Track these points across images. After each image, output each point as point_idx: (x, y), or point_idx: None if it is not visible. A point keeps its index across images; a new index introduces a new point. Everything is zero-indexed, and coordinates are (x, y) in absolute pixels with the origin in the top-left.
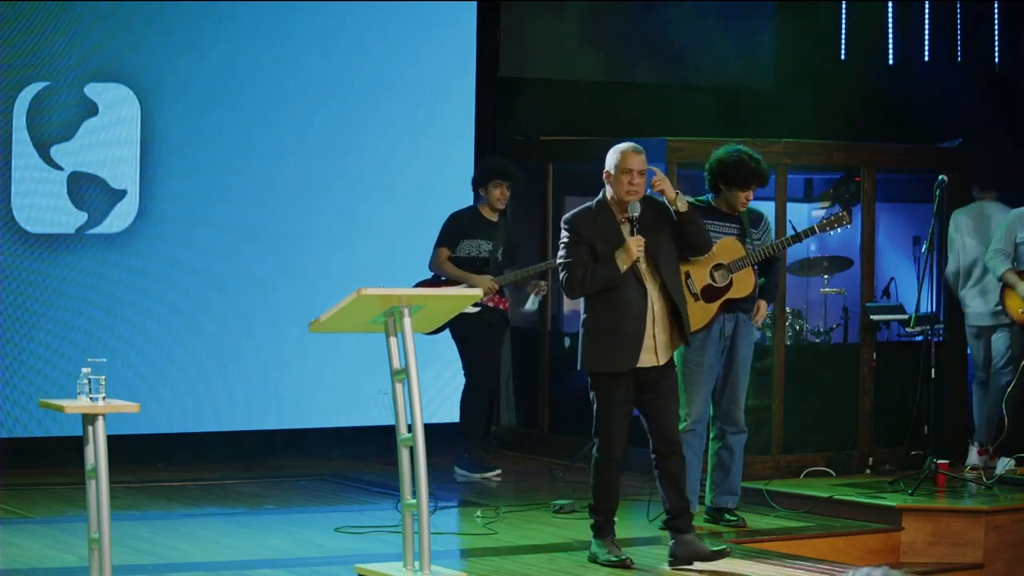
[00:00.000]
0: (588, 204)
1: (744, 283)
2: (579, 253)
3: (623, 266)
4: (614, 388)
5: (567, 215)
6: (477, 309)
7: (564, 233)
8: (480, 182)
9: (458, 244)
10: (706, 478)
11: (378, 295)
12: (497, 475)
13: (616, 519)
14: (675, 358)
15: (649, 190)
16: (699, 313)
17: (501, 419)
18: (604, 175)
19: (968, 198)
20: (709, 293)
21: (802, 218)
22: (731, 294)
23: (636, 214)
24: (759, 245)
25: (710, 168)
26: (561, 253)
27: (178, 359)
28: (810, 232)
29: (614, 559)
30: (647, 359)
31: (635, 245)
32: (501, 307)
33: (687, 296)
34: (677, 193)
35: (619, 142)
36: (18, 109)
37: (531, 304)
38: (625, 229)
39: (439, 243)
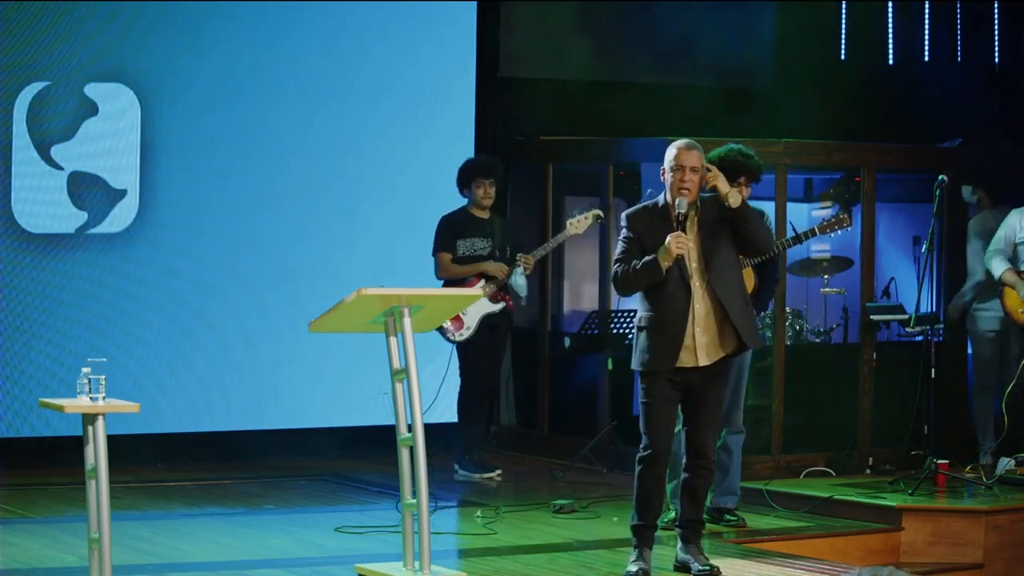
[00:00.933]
0: (649, 202)
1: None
2: (628, 250)
3: (663, 263)
4: (655, 388)
5: (626, 211)
6: (500, 306)
7: (621, 229)
8: (463, 183)
9: (454, 245)
10: None
11: (378, 295)
12: (498, 475)
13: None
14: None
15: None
16: None
17: (501, 419)
18: (660, 172)
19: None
20: None
21: (802, 218)
22: None
23: (683, 211)
24: None
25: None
26: (616, 248)
27: (178, 358)
28: (811, 233)
29: (632, 571)
30: (686, 359)
31: (675, 242)
32: (507, 305)
33: None
34: (730, 188)
35: (619, 142)
36: (18, 109)
37: (516, 278)
38: (675, 225)
39: (437, 249)
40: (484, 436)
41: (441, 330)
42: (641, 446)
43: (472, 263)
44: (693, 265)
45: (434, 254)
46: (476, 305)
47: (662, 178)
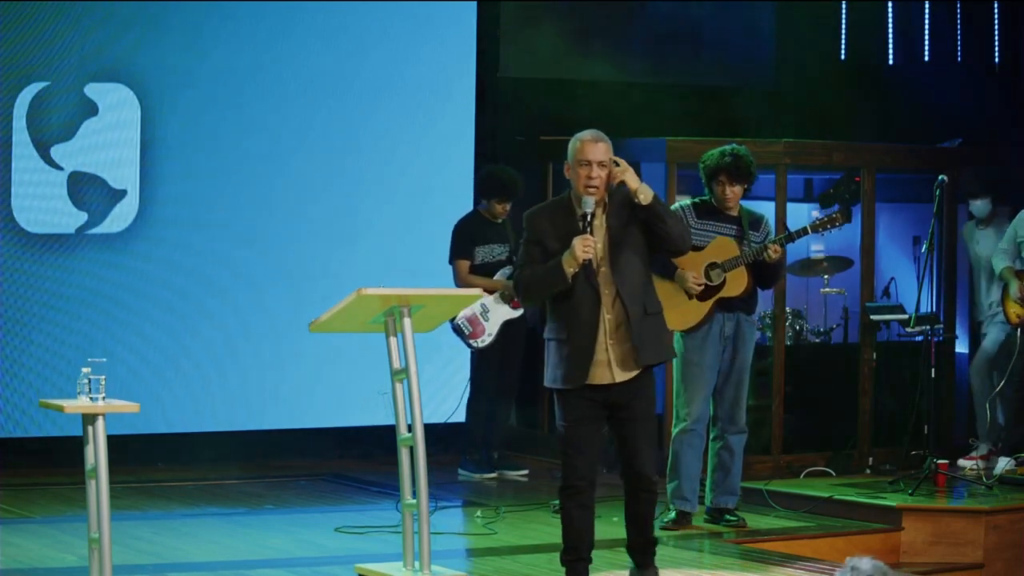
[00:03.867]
0: (554, 199)
1: (737, 282)
2: (530, 254)
3: (568, 269)
4: (569, 408)
5: (527, 211)
6: (520, 312)
7: (523, 231)
8: (486, 195)
9: (472, 252)
10: (706, 478)
11: (378, 295)
12: (523, 474)
13: (592, 562)
14: (674, 362)
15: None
16: (692, 312)
17: None
18: (564, 168)
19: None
20: (702, 292)
21: (802, 218)
22: (724, 293)
23: (589, 210)
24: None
25: (701, 167)
26: (519, 253)
27: (178, 358)
28: (803, 232)
29: None
30: (600, 375)
31: (580, 245)
32: (522, 308)
33: (675, 295)
34: (640, 183)
35: (619, 142)
36: (18, 109)
37: None
38: (581, 227)
39: (455, 256)
40: (502, 436)
41: (462, 337)
42: (561, 476)
43: (490, 271)
44: (602, 270)
45: (451, 261)
46: (497, 312)
47: (567, 174)
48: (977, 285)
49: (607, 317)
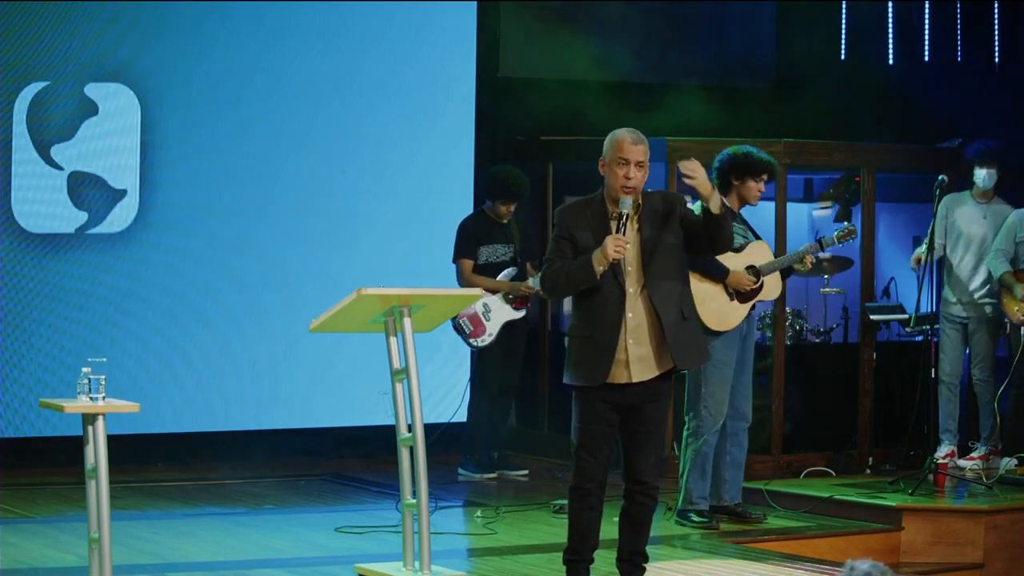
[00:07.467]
0: (586, 197)
1: (773, 286)
2: (560, 249)
3: (599, 267)
4: (586, 406)
5: (559, 207)
6: (522, 313)
7: (554, 226)
8: (491, 195)
9: (476, 252)
10: (717, 477)
11: (378, 295)
12: (523, 474)
13: (593, 563)
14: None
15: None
16: (733, 313)
17: None
18: (600, 163)
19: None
20: (743, 294)
21: (802, 218)
22: (763, 296)
23: (626, 210)
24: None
25: (726, 164)
26: (548, 247)
27: (179, 358)
28: (831, 242)
29: None
30: (619, 375)
31: (612, 244)
32: (524, 309)
33: (716, 296)
34: (714, 188)
35: None
36: (18, 109)
37: (533, 282)
38: (614, 226)
39: (459, 256)
40: (502, 436)
41: (462, 335)
42: (572, 476)
43: (494, 271)
44: (629, 269)
45: (455, 260)
46: (499, 312)
47: (601, 170)
48: (954, 262)
49: (629, 316)
